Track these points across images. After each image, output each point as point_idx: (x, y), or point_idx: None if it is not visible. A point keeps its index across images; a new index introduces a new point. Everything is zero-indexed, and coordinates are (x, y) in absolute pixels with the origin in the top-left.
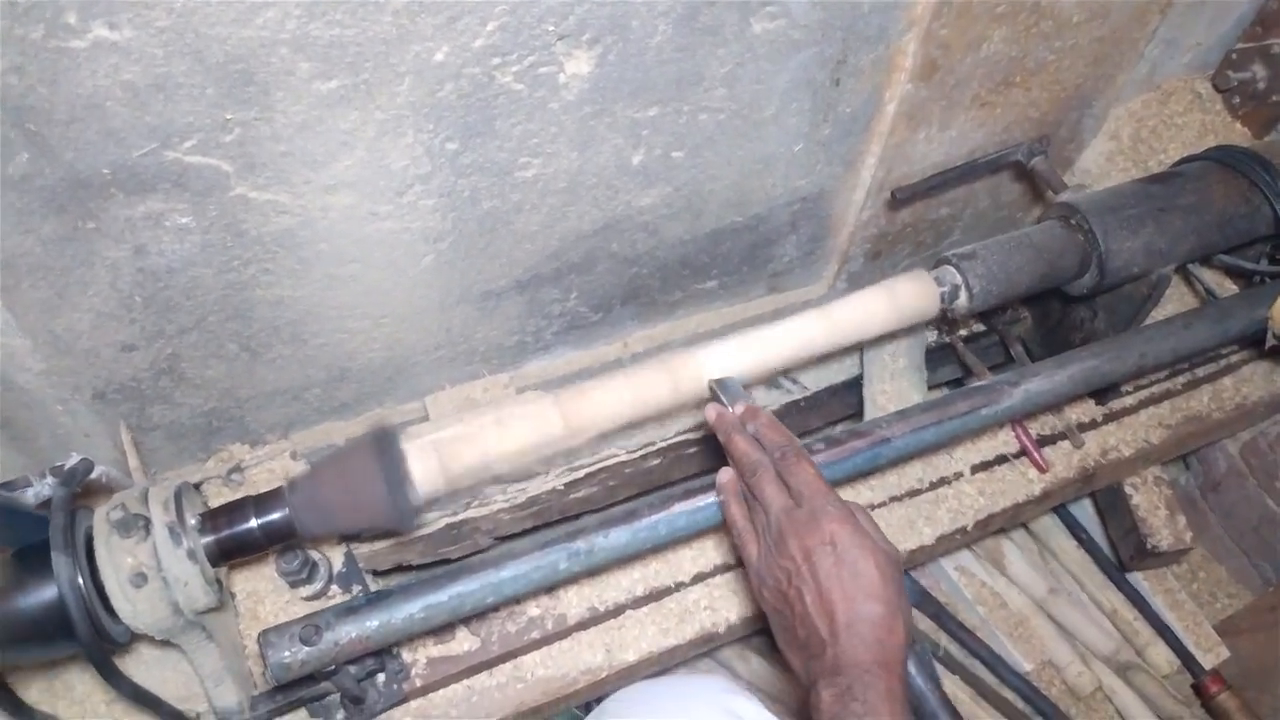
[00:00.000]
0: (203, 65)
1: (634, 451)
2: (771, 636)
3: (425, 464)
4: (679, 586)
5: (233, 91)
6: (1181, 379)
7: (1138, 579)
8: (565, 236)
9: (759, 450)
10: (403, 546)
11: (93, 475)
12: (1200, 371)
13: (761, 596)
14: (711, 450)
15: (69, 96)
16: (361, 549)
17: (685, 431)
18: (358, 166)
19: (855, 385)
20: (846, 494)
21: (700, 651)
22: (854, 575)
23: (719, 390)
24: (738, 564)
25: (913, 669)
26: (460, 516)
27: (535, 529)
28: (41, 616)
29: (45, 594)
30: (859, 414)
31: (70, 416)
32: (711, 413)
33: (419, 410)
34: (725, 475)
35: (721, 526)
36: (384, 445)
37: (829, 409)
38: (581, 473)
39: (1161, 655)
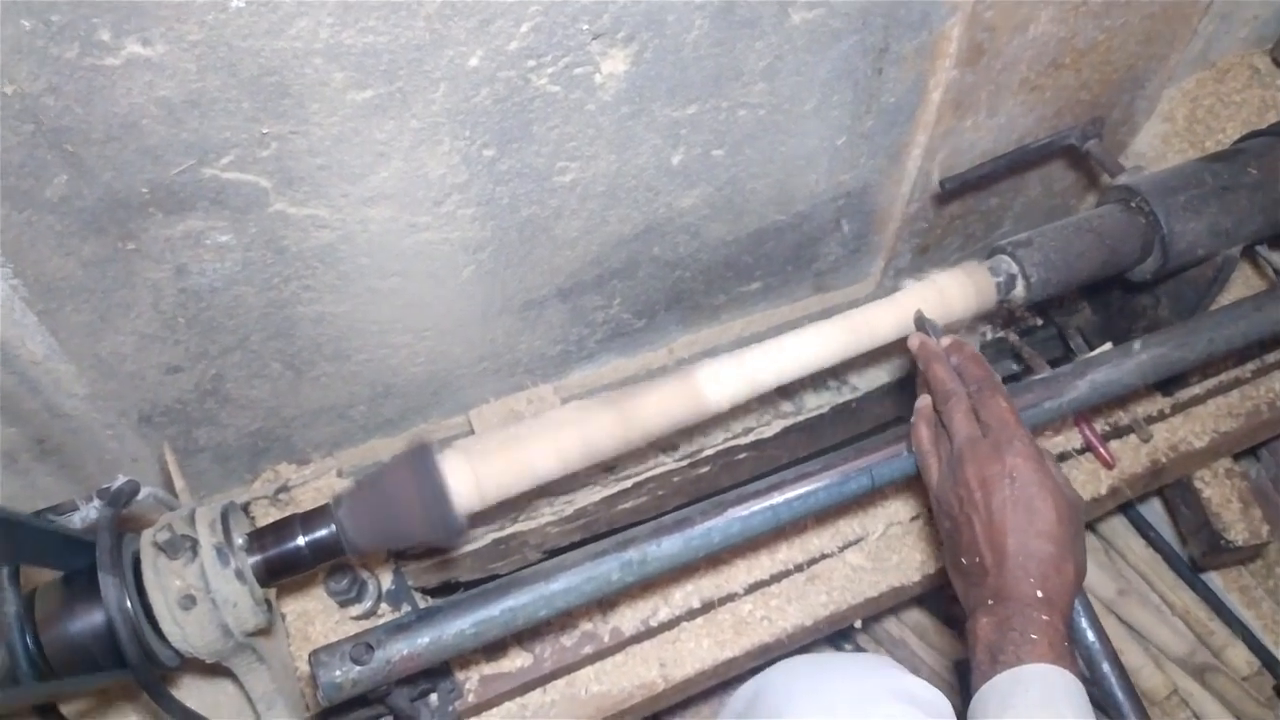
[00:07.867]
0: (237, 79)
1: (681, 460)
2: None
3: (465, 478)
4: (733, 597)
5: (268, 105)
6: (1250, 366)
7: (1211, 577)
8: (606, 241)
9: (956, 381)
10: (450, 563)
11: (139, 496)
12: (1270, 357)
13: (939, 523)
14: (761, 457)
15: (105, 115)
16: (409, 566)
17: (734, 437)
18: (395, 177)
19: (907, 384)
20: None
21: (758, 663)
22: (1029, 511)
23: (925, 323)
24: (795, 570)
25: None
26: (507, 531)
27: (583, 541)
28: (90, 641)
29: (94, 618)
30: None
31: (117, 441)
32: (915, 340)
33: (463, 424)
34: (923, 400)
35: (776, 532)
36: (422, 461)
37: (880, 409)
38: (629, 482)
39: (1240, 656)
